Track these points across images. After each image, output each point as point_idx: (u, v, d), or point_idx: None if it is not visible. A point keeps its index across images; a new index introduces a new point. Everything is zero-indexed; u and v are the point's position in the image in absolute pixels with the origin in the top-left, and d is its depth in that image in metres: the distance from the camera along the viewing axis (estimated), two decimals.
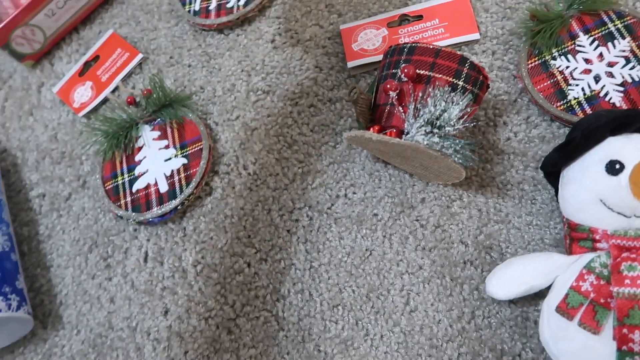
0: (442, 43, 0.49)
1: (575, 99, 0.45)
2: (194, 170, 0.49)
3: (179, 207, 0.49)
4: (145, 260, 0.49)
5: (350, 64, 0.51)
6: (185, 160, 0.50)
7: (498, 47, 0.49)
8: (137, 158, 0.52)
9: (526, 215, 0.44)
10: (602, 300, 0.34)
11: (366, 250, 0.46)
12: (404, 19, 0.52)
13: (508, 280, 0.39)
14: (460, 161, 0.37)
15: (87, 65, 0.60)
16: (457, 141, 0.37)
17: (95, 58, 0.60)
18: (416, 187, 0.47)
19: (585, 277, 0.35)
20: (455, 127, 0.37)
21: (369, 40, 0.51)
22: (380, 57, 0.50)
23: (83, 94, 0.58)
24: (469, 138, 0.44)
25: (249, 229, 0.49)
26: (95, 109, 0.58)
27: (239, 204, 0.49)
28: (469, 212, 0.45)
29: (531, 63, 0.47)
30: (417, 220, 0.46)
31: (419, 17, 0.51)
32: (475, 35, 0.49)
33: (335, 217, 0.47)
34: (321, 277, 0.46)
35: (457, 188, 0.46)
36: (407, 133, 0.39)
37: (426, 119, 0.37)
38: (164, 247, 0.50)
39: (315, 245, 0.47)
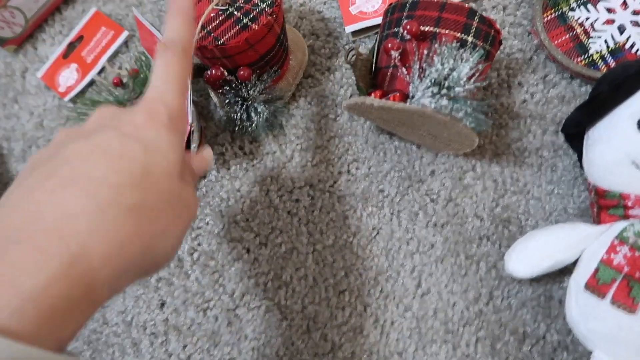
0: None
1: (597, 52, 0.40)
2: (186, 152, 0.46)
3: None
4: None
5: (348, 29, 0.47)
6: None
7: (509, 1, 0.45)
8: None
9: (546, 184, 0.40)
10: (637, 275, 0.31)
11: (373, 229, 0.42)
12: None
13: (529, 255, 0.35)
14: (473, 125, 0.33)
15: (71, 46, 0.56)
16: (468, 102, 0.33)
17: (79, 38, 0.56)
18: (424, 159, 0.43)
19: (618, 248, 0.32)
20: (466, 87, 0.33)
21: (368, 2, 0.47)
22: (380, 20, 0.46)
23: (69, 77, 0.55)
24: (481, 99, 0.40)
25: (246, 212, 0.45)
26: (82, 93, 0.55)
27: (234, 186, 0.46)
28: (483, 184, 0.41)
29: (547, 16, 0.43)
30: (427, 194, 0.42)
31: None
32: None
33: (339, 195, 0.44)
34: (325, 260, 0.43)
35: (469, 158, 0.42)
36: (413, 97, 0.35)
37: (433, 80, 0.33)
38: None
39: (318, 226, 0.43)
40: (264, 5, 0.39)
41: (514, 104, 0.42)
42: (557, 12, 0.42)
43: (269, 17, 0.38)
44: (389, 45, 0.35)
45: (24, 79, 0.58)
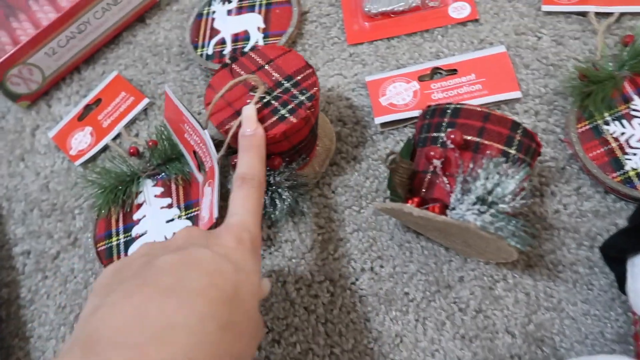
0: (480, 101, 0.45)
1: (633, 169, 0.40)
2: None
3: None
4: None
5: (377, 120, 0.46)
6: (189, 223, 0.44)
7: (541, 107, 0.45)
8: (135, 217, 0.46)
9: (582, 303, 0.38)
10: None
11: (396, 336, 0.40)
12: (436, 72, 0.48)
13: None
14: (518, 245, 0.32)
15: (87, 108, 0.55)
16: (514, 221, 0.32)
17: (97, 101, 0.55)
18: (453, 263, 0.41)
19: None
20: (511, 205, 0.32)
21: (399, 95, 0.47)
22: (411, 114, 0.46)
23: (81, 140, 0.53)
24: (521, 216, 0.39)
25: (260, 303, 0.42)
26: (93, 158, 0.53)
27: None
28: (515, 296, 0.39)
29: (581, 127, 0.42)
30: (454, 302, 0.40)
31: (452, 72, 0.47)
32: (517, 94, 0.45)
33: (361, 294, 0.41)
34: None
35: (500, 267, 0.40)
36: (453, 208, 0.33)
37: (478, 195, 0.32)
38: None
39: (337, 327, 0.41)
40: (303, 98, 0.38)
41: (546, 213, 0.41)
42: (591, 124, 0.42)
43: (308, 111, 0.37)
44: (432, 153, 0.34)
45: (33, 136, 0.56)
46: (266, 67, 0.40)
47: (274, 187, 0.41)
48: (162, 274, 0.24)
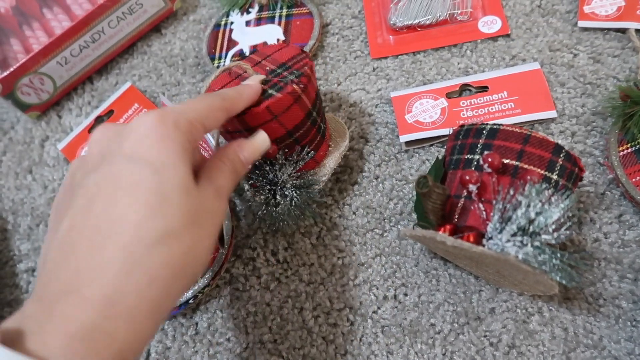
0: (513, 120, 0.42)
1: None
2: (212, 256, 0.41)
3: (190, 301, 0.40)
4: None
5: (403, 138, 0.44)
6: None
7: (578, 128, 0.42)
8: None
9: (625, 341, 0.35)
10: None
11: None
12: (465, 89, 0.46)
13: None
14: (564, 281, 0.29)
15: (98, 120, 0.53)
16: (559, 254, 0.29)
17: (109, 113, 0.53)
18: (484, 293, 0.38)
19: None
20: (555, 236, 0.29)
21: (426, 112, 0.44)
22: (438, 132, 0.43)
23: None
24: (565, 248, 0.37)
25: (275, 331, 0.40)
26: None
27: (264, 299, 0.41)
28: (551, 331, 0.36)
29: (623, 150, 0.40)
30: (485, 336, 0.37)
31: (483, 89, 0.45)
32: (552, 113, 0.42)
33: (383, 324, 0.39)
34: None
35: (535, 298, 0.37)
36: (491, 238, 0.31)
37: (519, 225, 0.29)
38: (170, 346, 0.41)
39: (356, 359, 0.38)
40: (292, 77, 0.36)
41: (585, 242, 0.38)
42: (634, 147, 0.39)
43: (295, 87, 0.35)
44: (467, 177, 0.32)
45: (42, 148, 0.54)
46: (262, 61, 0.39)
47: (278, 187, 0.38)
48: (84, 210, 0.24)
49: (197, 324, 0.41)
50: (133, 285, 0.22)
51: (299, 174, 0.39)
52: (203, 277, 0.40)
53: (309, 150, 0.39)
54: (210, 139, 0.37)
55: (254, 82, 0.35)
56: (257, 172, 0.38)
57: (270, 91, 0.35)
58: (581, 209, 0.39)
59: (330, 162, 0.41)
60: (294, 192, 0.38)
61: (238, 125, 0.36)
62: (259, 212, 0.39)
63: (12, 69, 0.51)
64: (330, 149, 0.42)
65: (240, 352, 0.40)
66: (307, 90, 0.36)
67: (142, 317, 0.23)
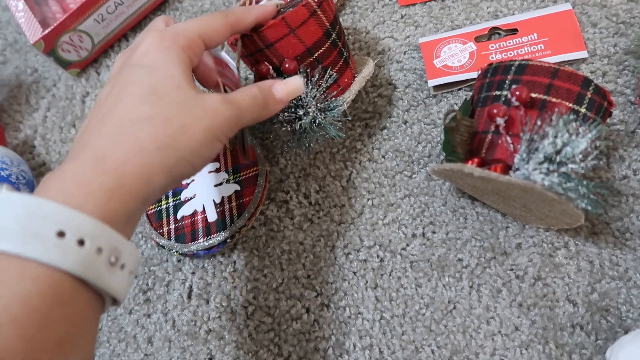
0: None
1: None
2: (248, 198, 0.43)
3: (228, 241, 0.43)
4: (189, 296, 0.44)
5: (431, 83, 0.44)
6: (237, 187, 0.44)
7: (610, 68, 0.42)
8: (184, 181, 0.46)
9: None
10: None
11: (449, 302, 0.39)
12: (494, 33, 0.46)
13: None
14: (589, 207, 0.30)
15: None
16: (585, 182, 0.30)
17: None
18: (510, 229, 0.39)
19: None
20: (582, 165, 0.30)
21: (454, 56, 0.45)
22: (467, 76, 0.44)
23: None
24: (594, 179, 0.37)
25: (309, 267, 0.42)
26: None
27: (298, 238, 0.43)
28: (577, 264, 0.37)
29: None
30: (511, 269, 0.38)
31: (512, 31, 0.45)
32: (583, 53, 0.42)
33: (411, 260, 0.40)
34: (394, 331, 0.39)
35: (561, 233, 0.38)
36: (517, 169, 0.32)
37: (546, 154, 0.30)
38: (210, 282, 0.44)
39: (387, 292, 0.40)
40: None
41: (613, 178, 0.39)
42: None
43: (310, 0, 0.36)
44: (494, 110, 0.33)
45: (83, 103, 0.56)
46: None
47: (302, 109, 0.38)
48: (102, 101, 0.30)
49: (234, 262, 0.44)
50: (121, 151, 0.27)
51: (323, 96, 0.39)
52: (240, 217, 0.42)
53: (331, 72, 0.40)
54: (231, 61, 0.39)
55: (269, 4, 0.37)
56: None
57: (286, 9, 0.37)
58: (610, 146, 0.40)
59: (355, 85, 0.42)
60: (317, 113, 0.39)
61: (258, 43, 0.37)
62: (284, 134, 0.40)
63: (52, 27, 0.53)
64: (356, 78, 0.42)
65: (276, 287, 0.42)
66: (322, 7, 0.37)
67: (130, 178, 0.27)
